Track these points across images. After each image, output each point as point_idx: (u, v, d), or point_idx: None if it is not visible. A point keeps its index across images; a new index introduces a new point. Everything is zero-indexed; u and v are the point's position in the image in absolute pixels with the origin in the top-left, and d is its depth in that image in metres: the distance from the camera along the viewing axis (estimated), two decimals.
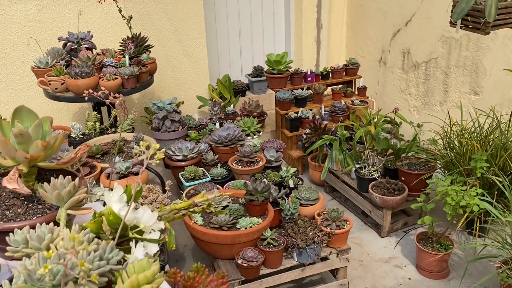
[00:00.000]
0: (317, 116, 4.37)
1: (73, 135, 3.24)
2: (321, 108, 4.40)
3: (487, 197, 2.58)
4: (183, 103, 4.67)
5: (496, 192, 2.83)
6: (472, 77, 3.80)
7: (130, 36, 3.92)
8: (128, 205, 1.05)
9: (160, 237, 1.05)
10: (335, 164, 3.67)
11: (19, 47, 4.02)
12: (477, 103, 3.79)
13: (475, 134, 3.15)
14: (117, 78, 3.40)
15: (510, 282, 2.39)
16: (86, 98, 1.91)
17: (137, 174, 2.68)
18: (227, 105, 4.41)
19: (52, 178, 1.04)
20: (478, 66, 3.72)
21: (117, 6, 3.80)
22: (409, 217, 3.44)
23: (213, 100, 4.15)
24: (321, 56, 5.35)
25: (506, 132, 3.01)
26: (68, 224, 1.10)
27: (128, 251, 1.07)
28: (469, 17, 2.20)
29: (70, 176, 1.07)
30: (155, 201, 2.29)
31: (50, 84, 3.37)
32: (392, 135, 3.79)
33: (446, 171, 3.21)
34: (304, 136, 4.00)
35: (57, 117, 4.28)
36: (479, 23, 2.16)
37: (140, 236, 1.04)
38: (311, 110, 4.38)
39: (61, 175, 1.06)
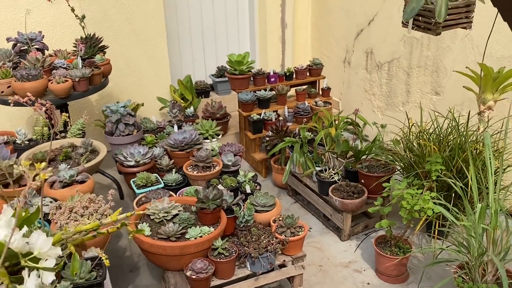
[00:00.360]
0: (281, 118, 4.30)
1: (18, 141, 3.08)
2: (284, 109, 4.33)
3: (441, 200, 2.54)
4: (143, 105, 4.54)
5: (454, 195, 2.80)
6: (433, 77, 3.78)
7: (84, 36, 3.77)
8: (20, 229, 0.94)
9: (56, 265, 0.95)
10: (297, 167, 3.60)
11: None
12: (438, 103, 3.77)
13: (434, 135, 3.11)
14: (67, 81, 3.25)
15: (466, 286, 2.36)
16: (11, 104, 1.77)
17: (82, 182, 2.55)
18: (188, 107, 4.30)
19: None
20: (439, 66, 3.70)
21: (69, 6, 3.65)
22: (370, 220, 3.38)
23: (172, 101, 4.03)
24: (287, 56, 5.29)
25: (464, 133, 2.98)
26: None
27: (22, 280, 0.96)
28: (420, 17, 2.15)
29: None
30: (96, 211, 2.17)
31: None
32: (357, 136, 3.74)
33: (405, 173, 3.18)
34: (267, 139, 3.92)
35: (10, 122, 4.09)
36: (430, 23, 2.10)
37: (32, 264, 0.93)
38: (274, 111, 4.30)
39: None
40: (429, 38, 3.73)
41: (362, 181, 3.26)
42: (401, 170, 3.25)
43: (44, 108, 1.64)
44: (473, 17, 2.19)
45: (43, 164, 0.91)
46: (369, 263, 3.04)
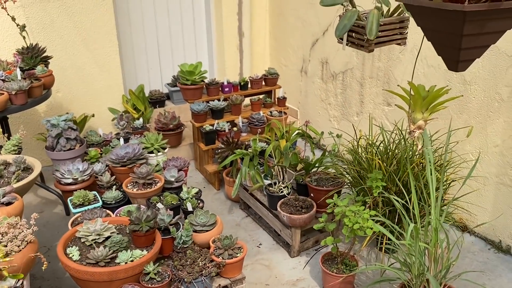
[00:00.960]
0: (235, 128, 4.21)
1: None
2: (239, 119, 4.25)
3: (380, 217, 2.49)
4: (93, 116, 4.40)
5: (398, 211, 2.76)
6: (385, 88, 3.75)
7: (25, 46, 3.61)
8: None
9: None
10: (248, 180, 3.52)
11: None
12: (390, 114, 3.75)
13: (382, 148, 3.07)
14: (2, 94, 3.10)
15: None
16: None
17: (8, 204, 2.40)
18: (139, 118, 4.17)
19: None
20: (390, 77, 3.68)
21: (8, 14, 3.49)
22: (321, 234, 3.32)
23: (121, 113, 3.90)
24: (245, 65, 5.21)
25: (411, 146, 2.94)
26: None
27: None
28: (353, 34, 2.10)
29: None
30: (16, 238, 2.04)
31: None
32: (315, 145, 3.69)
33: (353, 187, 3.13)
34: (218, 150, 3.83)
35: None
36: (363, 39, 2.05)
37: None
38: (229, 122, 4.21)
39: None
40: (380, 50, 3.71)
41: (312, 194, 3.20)
42: (349, 184, 3.20)
43: None
44: (407, 33, 2.14)
45: None
46: (317, 280, 2.97)
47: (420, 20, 1.56)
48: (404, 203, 2.58)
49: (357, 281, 2.91)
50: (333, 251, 2.76)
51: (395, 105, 2.23)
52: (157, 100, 4.81)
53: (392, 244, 2.62)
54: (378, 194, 2.61)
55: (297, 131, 3.58)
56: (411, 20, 2.02)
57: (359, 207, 2.52)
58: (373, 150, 3.01)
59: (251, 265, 3.09)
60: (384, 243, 2.79)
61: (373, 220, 2.47)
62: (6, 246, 2.01)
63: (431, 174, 2.37)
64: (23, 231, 2.10)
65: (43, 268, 1.64)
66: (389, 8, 2.12)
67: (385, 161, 2.92)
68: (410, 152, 2.93)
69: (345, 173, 3.17)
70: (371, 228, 2.35)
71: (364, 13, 2.11)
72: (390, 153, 2.99)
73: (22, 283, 2.01)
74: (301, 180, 3.35)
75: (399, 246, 2.42)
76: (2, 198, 2.40)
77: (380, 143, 3.06)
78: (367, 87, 3.91)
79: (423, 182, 2.61)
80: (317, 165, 3.38)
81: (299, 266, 3.12)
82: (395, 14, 2.13)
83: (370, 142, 3.09)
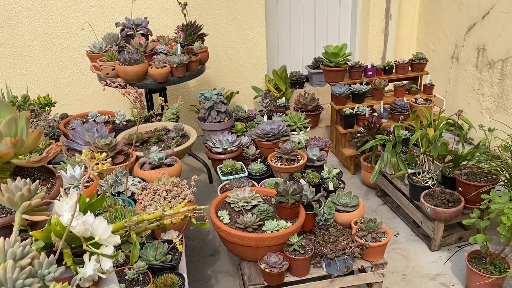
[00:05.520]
0: (376, 114, 4.10)
1: (117, 122, 3.27)
2: (380, 105, 4.13)
3: None
4: (238, 93, 4.61)
5: None
6: None
7: (185, 23, 3.88)
8: (85, 215, 0.97)
9: (114, 253, 0.96)
10: (388, 167, 3.42)
11: (82, 31, 4.13)
12: None
13: None
14: (165, 66, 3.38)
15: None
16: (103, 89, 1.86)
17: (170, 165, 2.64)
18: (281, 97, 4.27)
19: (9, 181, 0.98)
20: None
21: None
22: (465, 232, 3.12)
23: (265, 91, 4.03)
24: (388, 49, 5.03)
25: None
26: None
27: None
28: None
29: (27, 179, 1.00)
30: (178, 196, 2.23)
31: (101, 69, 3.43)
32: (458, 138, 3.45)
33: (510, 185, 2.86)
34: (358, 134, 3.77)
35: (115, 102, 4.39)
36: None
37: (92, 249, 0.96)
38: (369, 106, 4.12)
39: (18, 177, 1.00)
40: None
41: (460, 189, 3.00)
42: (505, 181, 2.93)
43: (131, 94, 1.69)
44: None
45: (103, 154, 0.93)
46: (459, 278, 2.80)
47: None
48: None
49: (506, 286, 2.69)
50: (483, 249, 2.56)
51: None
52: (296, 81, 4.88)
53: None
54: None
55: (447, 120, 3.36)
56: None
57: None
58: None
59: (387, 253, 3.01)
60: None
61: None
62: (170, 202, 2.21)
63: None
64: (184, 190, 2.29)
65: (206, 224, 1.77)
66: None
67: None
68: None
69: (500, 169, 2.91)
70: None
71: None
72: None
73: (182, 237, 2.20)
74: (448, 172, 3.16)
75: None
76: (165, 159, 2.64)
77: None
78: None
79: None
80: (468, 158, 3.15)
81: (440, 260, 2.96)
82: None
83: None
